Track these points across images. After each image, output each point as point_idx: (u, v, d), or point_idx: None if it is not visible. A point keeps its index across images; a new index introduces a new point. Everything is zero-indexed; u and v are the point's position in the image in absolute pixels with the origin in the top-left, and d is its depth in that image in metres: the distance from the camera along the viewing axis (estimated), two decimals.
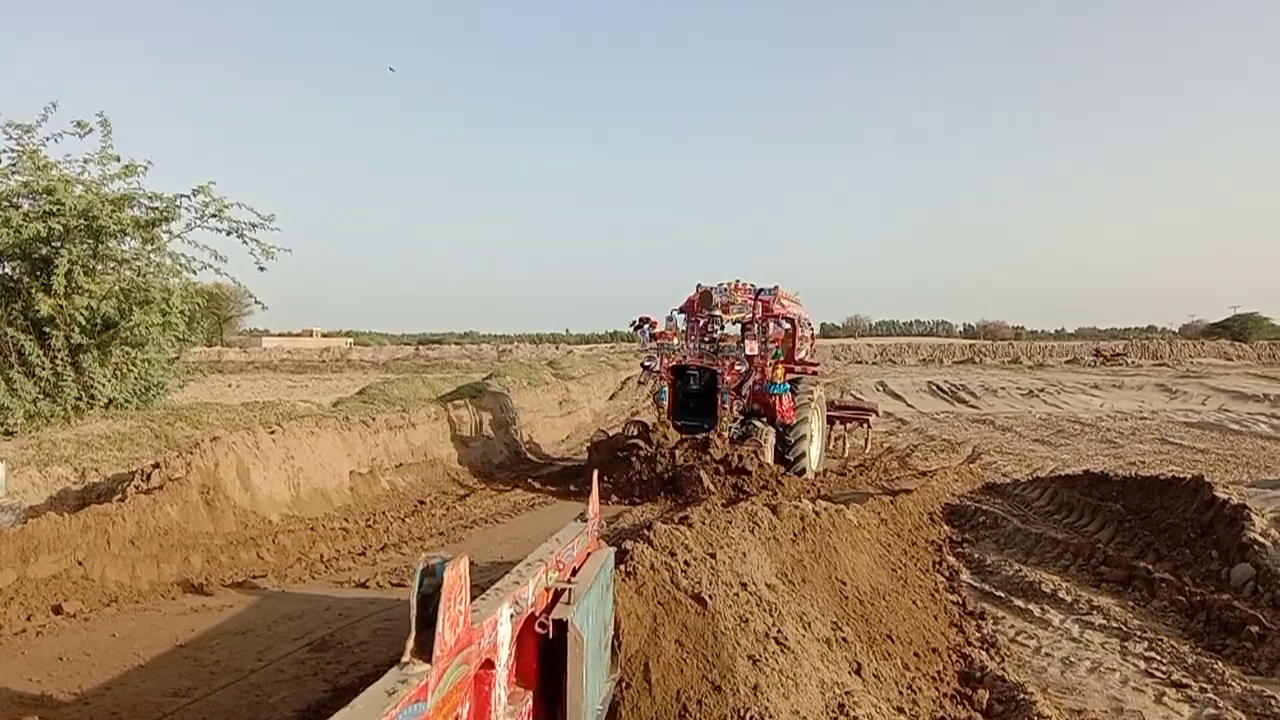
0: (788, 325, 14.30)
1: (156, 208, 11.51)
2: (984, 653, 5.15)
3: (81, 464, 9.10)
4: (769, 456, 12.55)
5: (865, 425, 17.89)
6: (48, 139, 11.04)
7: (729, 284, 14.40)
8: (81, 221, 10.58)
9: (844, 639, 4.57)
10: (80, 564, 5.58)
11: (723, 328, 13.96)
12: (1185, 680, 4.78)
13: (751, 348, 13.12)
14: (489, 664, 2.04)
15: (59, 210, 10.43)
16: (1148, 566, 6.82)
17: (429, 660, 1.57)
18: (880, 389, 34.86)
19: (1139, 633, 5.55)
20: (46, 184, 10.65)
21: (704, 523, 5.11)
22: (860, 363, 63.48)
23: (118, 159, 11.48)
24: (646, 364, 13.84)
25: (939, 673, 4.80)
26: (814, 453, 13.96)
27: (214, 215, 11.68)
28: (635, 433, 12.71)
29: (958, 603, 6.22)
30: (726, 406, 13.21)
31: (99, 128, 11.29)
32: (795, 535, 5.77)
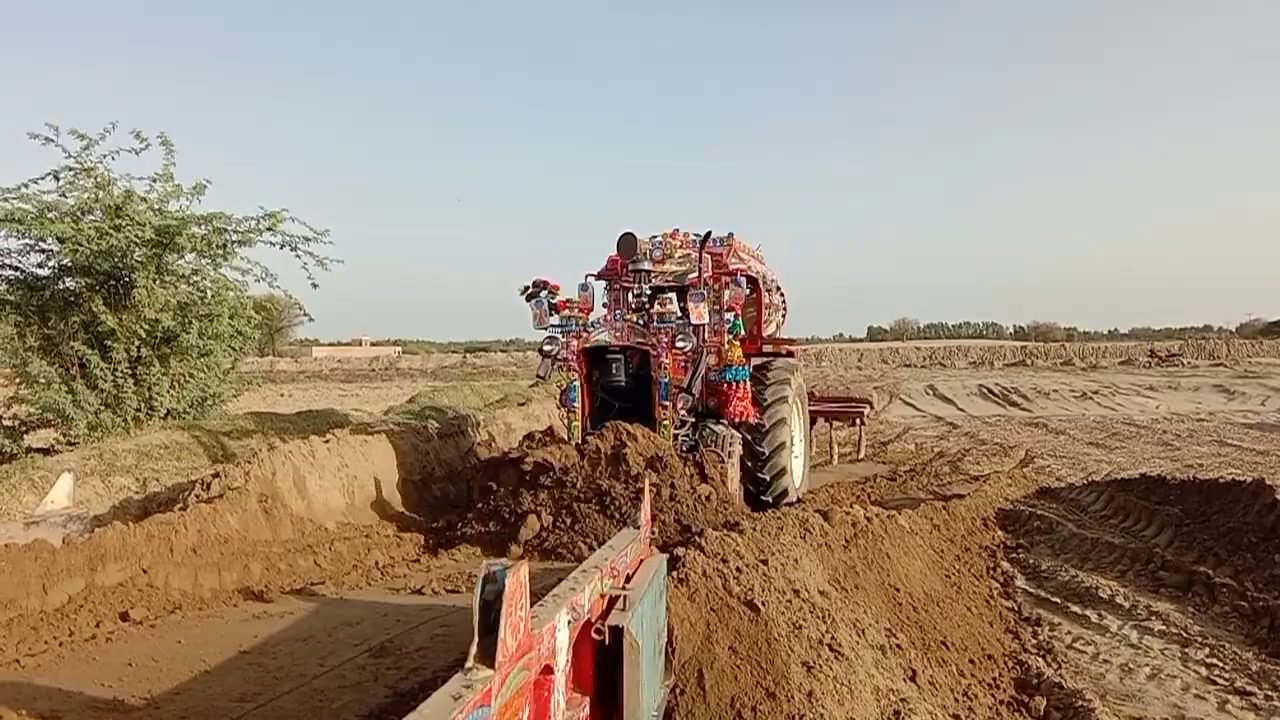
0: (747, 287, 10.25)
1: (224, 228, 11.81)
2: (1040, 659, 5.09)
3: (143, 474, 9.34)
4: (735, 476, 9.16)
5: (858, 423, 15.04)
6: (105, 155, 11.35)
7: (664, 235, 10.84)
8: (155, 238, 10.89)
9: (898, 645, 4.56)
10: (145, 572, 5.73)
11: (652, 298, 9.56)
12: (1249, 688, 4.69)
13: (699, 314, 9.22)
14: (548, 670, 2.08)
15: (126, 225, 10.72)
16: (1208, 571, 6.69)
17: (492, 665, 1.61)
18: (930, 392, 34.52)
19: (1200, 639, 5.46)
20: (115, 201, 10.96)
21: (755, 529, 5.12)
22: (909, 366, 62.87)
23: (171, 178, 11.77)
24: (546, 348, 9.36)
25: (995, 679, 4.77)
26: (797, 467, 10.52)
27: (268, 229, 11.94)
28: (526, 450, 8.84)
29: (1013, 609, 6.15)
30: (668, 404, 9.07)
31: (160, 147, 11.60)
32: (847, 541, 5.76)
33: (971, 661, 4.93)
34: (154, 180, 11.67)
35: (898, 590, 5.54)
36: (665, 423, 9.04)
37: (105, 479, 9.03)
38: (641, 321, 9.46)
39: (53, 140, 10.99)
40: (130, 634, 5.00)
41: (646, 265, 9.93)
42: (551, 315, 9.50)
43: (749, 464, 9.64)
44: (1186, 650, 5.29)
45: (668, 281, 10.28)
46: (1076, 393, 31.89)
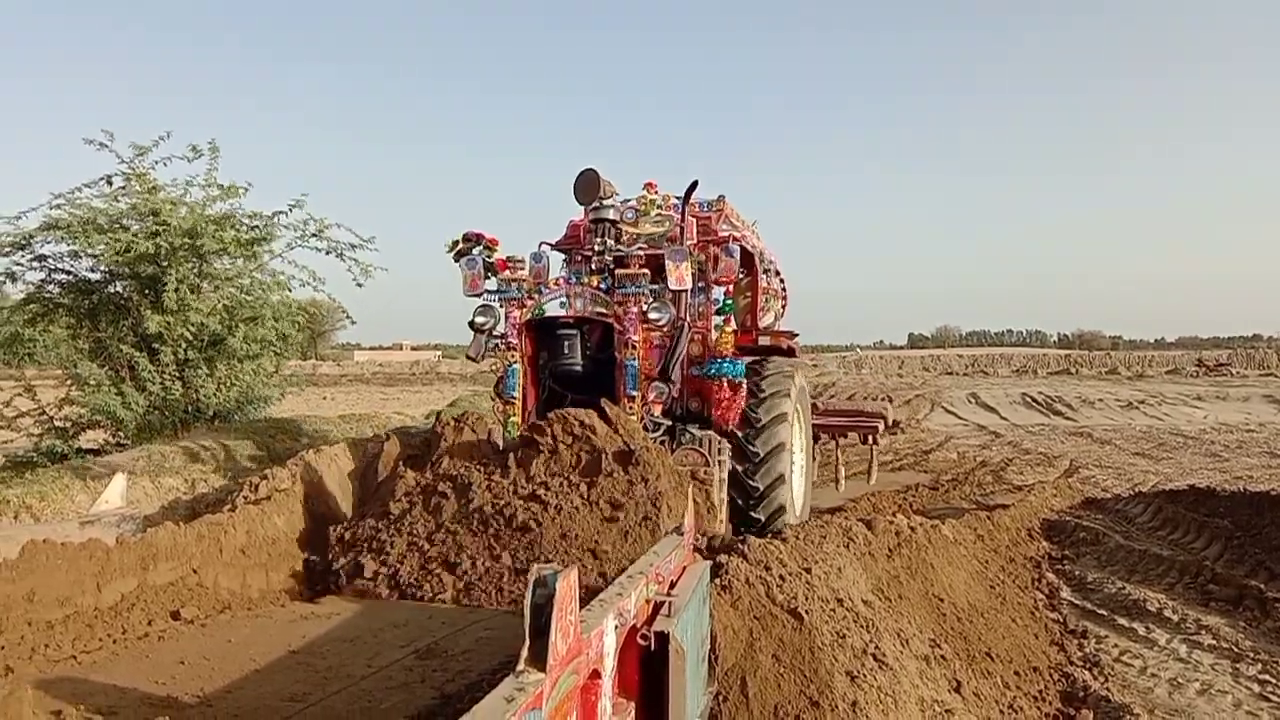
0: (738, 262, 7.60)
1: (256, 226, 11.96)
2: (1087, 672, 5.03)
3: (191, 475, 9.49)
4: (721, 492, 6.75)
5: (870, 441, 12.61)
6: (157, 162, 11.57)
7: (641, 193, 8.47)
8: (186, 241, 11.05)
9: (942, 656, 4.53)
10: (195, 571, 5.81)
11: (620, 260, 7.47)
12: None
13: (679, 277, 6.88)
14: (595, 674, 2.09)
15: (164, 230, 10.91)
16: (1260, 585, 6.58)
17: (543, 669, 1.62)
18: (972, 400, 34.19)
19: (1251, 654, 5.36)
20: (153, 205, 11.15)
21: (798, 537, 5.11)
22: (951, 374, 62.26)
23: (221, 186, 11.93)
24: (478, 320, 7.23)
25: (1040, 692, 4.72)
26: (797, 489, 8.42)
27: (314, 235, 12.09)
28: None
29: (1059, 620, 6.09)
30: (635, 395, 6.81)
31: (207, 153, 11.78)
32: (891, 551, 5.72)
33: (1017, 673, 4.89)
34: (189, 185, 11.82)
35: (942, 600, 5.50)
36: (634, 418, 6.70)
37: (155, 480, 9.19)
38: (604, 287, 7.19)
39: (106, 146, 11.23)
40: (182, 633, 5.08)
41: (612, 214, 7.63)
42: (488, 278, 7.36)
43: (738, 468, 7.55)
44: (1238, 666, 5.21)
45: (641, 245, 7.89)
46: (1122, 402, 31.43)
